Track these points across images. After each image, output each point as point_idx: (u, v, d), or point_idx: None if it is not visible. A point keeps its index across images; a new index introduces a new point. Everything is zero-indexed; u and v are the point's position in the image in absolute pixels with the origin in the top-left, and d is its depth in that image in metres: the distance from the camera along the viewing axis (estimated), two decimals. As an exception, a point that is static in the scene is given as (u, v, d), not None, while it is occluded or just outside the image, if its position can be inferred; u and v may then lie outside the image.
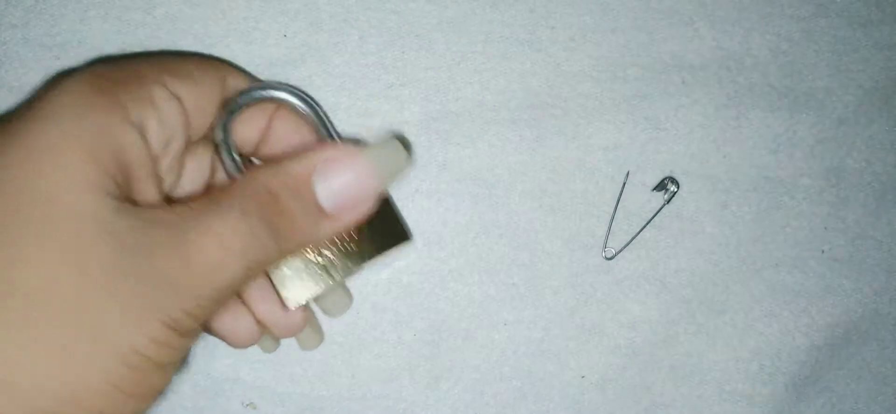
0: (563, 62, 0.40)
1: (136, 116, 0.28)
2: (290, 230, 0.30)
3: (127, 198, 0.27)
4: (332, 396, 0.40)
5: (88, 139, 0.26)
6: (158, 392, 0.28)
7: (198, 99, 0.31)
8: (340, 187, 0.31)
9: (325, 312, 0.37)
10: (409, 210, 0.39)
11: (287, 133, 0.34)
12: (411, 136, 0.40)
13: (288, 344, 0.39)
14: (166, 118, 0.30)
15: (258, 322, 0.34)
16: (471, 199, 0.40)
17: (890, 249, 0.42)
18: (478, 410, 0.40)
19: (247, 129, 0.33)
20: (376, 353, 0.40)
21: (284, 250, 0.30)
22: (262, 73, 0.39)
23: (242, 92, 0.33)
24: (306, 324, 0.35)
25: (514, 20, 0.40)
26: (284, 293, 0.33)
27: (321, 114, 0.34)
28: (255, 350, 0.39)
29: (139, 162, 0.28)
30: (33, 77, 0.38)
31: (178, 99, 0.30)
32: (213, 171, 0.34)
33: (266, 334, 0.35)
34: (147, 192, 0.29)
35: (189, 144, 0.33)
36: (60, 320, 0.25)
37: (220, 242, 0.27)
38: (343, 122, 0.39)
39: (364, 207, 0.32)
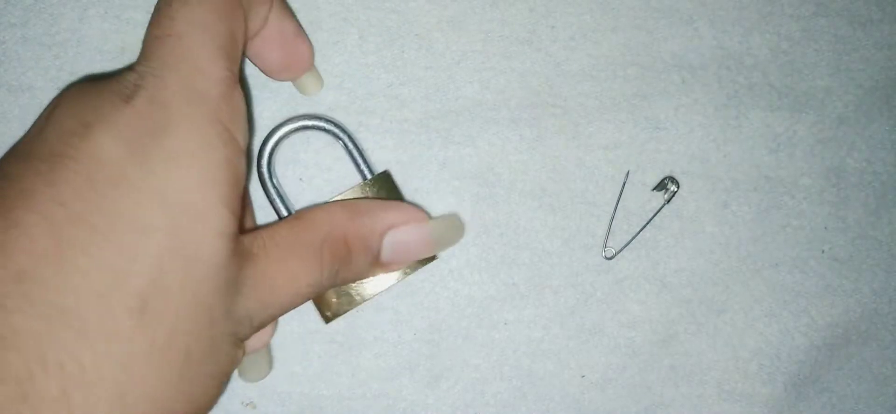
0: (563, 61, 0.40)
1: (242, 140, 0.29)
2: (349, 273, 0.34)
3: (238, 225, 0.29)
4: (332, 395, 0.40)
5: (223, 186, 0.28)
6: None
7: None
8: (402, 247, 0.35)
9: (241, 373, 0.38)
10: (409, 209, 0.39)
11: (274, 33, 0.35)
12: (411, 135, 0.40)
13: (288, 344, 0.39)
14: (246, 124, 0.30)
15: None
16: (471, 199, 0.40)
17: (890, 249, 0.42)
18: (478, 409, 0.40)
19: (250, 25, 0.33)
20: (376, 352, 0.40)
21: (337, 285, 0.34)
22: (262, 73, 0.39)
23: (283, 124, 0.37)
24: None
25: (513, 19, 0.40)
26: (324, 309, 0.38)
27: (358, 146, 0.38)
28: (254, 349, 0.39)
29: (244, 187, 0.30)
30: (32, 76, 0.38)
31: (244, 88, 0.31)
32: None
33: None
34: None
35: None
36: (199, 367, 0.27)
37: (296, 287, 0.31)
38: (343, 122, 0.39)
39: (410, 263, 0.37)
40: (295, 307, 0.31)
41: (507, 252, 0.40)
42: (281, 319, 0.39)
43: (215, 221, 0.27)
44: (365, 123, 0.39)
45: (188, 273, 0.26)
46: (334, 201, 0.35)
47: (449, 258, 0.40)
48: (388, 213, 0.35)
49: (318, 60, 0.39)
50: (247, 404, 0.39)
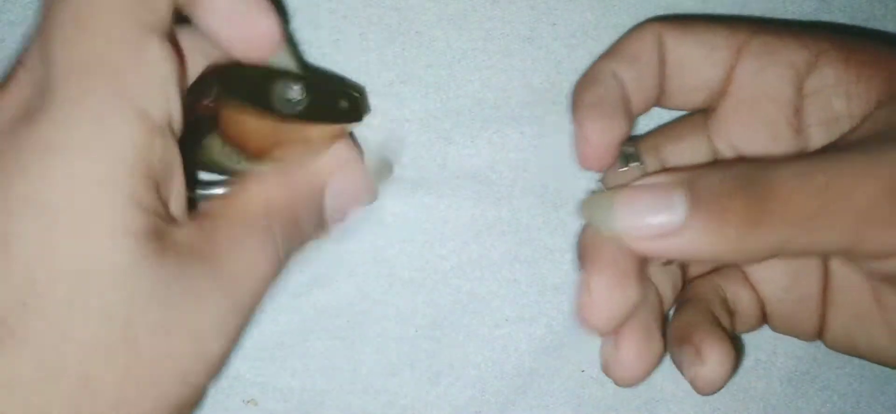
0: (565, 59, 0.40)
1: (159, 112, 0.25)
2: (299, 246, 0.30)
3: (159, 219, 0.25)
4: (333, 390, 0.40)
5: (124, 176, 0.23)
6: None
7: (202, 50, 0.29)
8: (346, 195, 0.31)
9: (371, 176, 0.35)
10: (411, 207, 0.40)
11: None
12: (412, 134, 0.39)
13: (289, 339, 0.39)
14: (176, 88, 0.26)
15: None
16: (472, 197, 0.40)
17: (890, 246, 0.42)
18: (479, 406, 0.40)
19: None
20: (377, 348, 0.40)
21: (288, 263, 0.30)
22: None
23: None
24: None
25: (514, 17, 0.40)
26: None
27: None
28: (255, 347, 0.39)
29: (168, 172, 0.26)
30: (32, 74, 0.38)
31: (180, 55, 0.26)
32: None
33: None
34: (175, 197, 0.27)
35: None
36: (109, 395, 0.23)
37: (260, 271, 0.27)
38: (344, 121, 0.39)
39: (350, 217, 0.32)
40: (261, 297, 0.28)
41: (508, 249, 0.40)
42: (281, 316, 0.39)
43: (111, 220, 0.23)
44: (366, 122, 0.39)
45: (75, 286, 0.22)
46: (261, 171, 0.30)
47: (450, 255, 0.40)
48: (321, 162, 0.31)
49: (319, 59, 0.39)
50: (248, 402, 0.40)
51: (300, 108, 0.30)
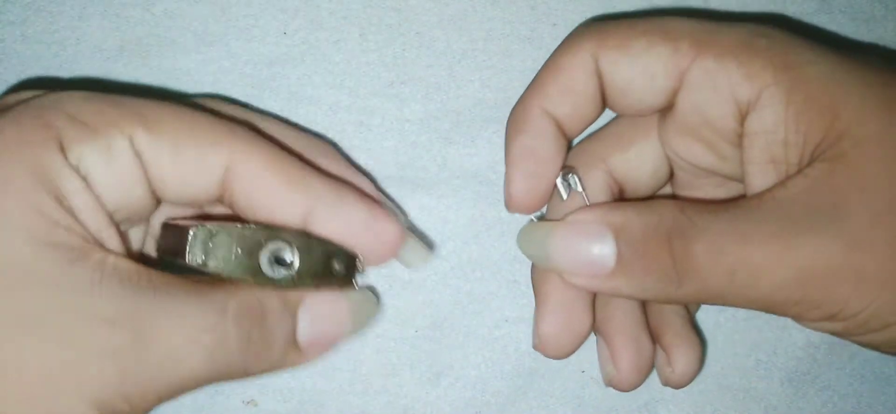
0: (565, 59, 0.40)
1: (75, 159, 0.26)
2: (262, 351, 0.28)
3: (86, 250, 0.25)
4: (333, 390, 0.40)
5: (24, 182, 0.24)
6: None
7: (173, 166, 0.28)
8: (321, 320, 0.31)
9: (404, 263, 0.35)
10: (410, 208, 0.40)
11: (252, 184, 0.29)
12: (412, 135, 0.39)
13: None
14: (119, 174, 0.27)
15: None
16: (472, 197, 0.40)
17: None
18: (478, 406, 0.40)
19: (200, 176, 0.28)
20: (377, 348, 0.40)
21: (248, 371, 0.28)
22: (262, 72, 0.39)
23: None
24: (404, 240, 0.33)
25: (515, 17, 0.40)
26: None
27: None
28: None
29: (85, 209, 0.26)
30: (32, 74, 0.38)
31: (140, 157, 0.27)
32: None
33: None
34: (110, 235, 0.27)
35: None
36: None
37: (188, 332, 0.25)
38: (343, 121, 0.39)
39: (328, 351, 0.32)
40: (202, 379, 0.26)
41: (508, 249, 0.40)
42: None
43: (18, 222, 0.24)
44: (366, 123, 0.39)
45: None
46: None
47: (450, 255, 0.40)
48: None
49: (319, 59, 0.39)
50: (248, 402, 0.40)
51: (291, 271, 0.29)
